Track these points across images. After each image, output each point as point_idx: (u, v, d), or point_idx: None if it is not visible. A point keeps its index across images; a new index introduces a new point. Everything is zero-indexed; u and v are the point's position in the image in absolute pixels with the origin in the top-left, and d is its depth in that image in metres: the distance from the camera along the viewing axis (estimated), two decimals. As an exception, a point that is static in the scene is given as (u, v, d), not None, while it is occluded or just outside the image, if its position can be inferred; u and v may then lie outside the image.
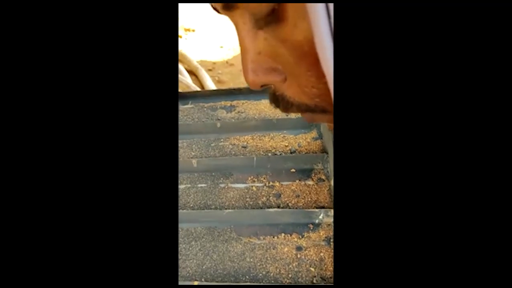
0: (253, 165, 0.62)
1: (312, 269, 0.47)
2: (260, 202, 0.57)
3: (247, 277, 0.47)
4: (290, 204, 0.55)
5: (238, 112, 0.80)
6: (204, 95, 0.86)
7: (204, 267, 0.50)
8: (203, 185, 0.62)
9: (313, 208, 0.53)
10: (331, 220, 0.52)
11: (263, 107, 0.80)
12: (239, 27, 0.19)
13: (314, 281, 0.45)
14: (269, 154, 0.65)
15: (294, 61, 0.18)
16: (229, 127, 0.72)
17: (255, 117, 0.77)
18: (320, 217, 0.52)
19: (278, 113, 0.77)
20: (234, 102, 0.82)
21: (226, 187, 0.60)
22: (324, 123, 0.63)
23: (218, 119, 0.75)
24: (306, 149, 0.66)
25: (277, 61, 0.19)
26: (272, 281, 0.46)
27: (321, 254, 0.49)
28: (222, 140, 0.70)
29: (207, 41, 1.73)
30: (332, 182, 0.56)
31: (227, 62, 1.62)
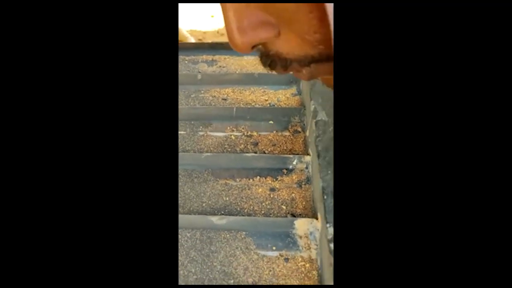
0: (232, 116, 0.64)
1: (284, 207, 0.51)
2: (238, 149, 0.59)
3: (222, 212, 0.50)
4: (266, 152, 0.58)
5: (220, 66, 0.79)
6: (185, 48, 0.84)
7: (181, 201, 0.52)
8: (182, 132, 0.62)
9: (288, 155, 0.56)
10: (304, 166, 0.56)
11: (245, 63, 0.80)
12: None
13: (287, 216, 0.49)
14: (249, 107, 0.66)
15: (295, 6, 0.16)
16: (210, 79, 0.72)
17: (237, 72, 0.77)
18: (294, 162, 0.55)
19: (260, 69, 0.78)
20: (216, 57, 0.81)
21: (205, 135, 0.62)
22: (318, 79, 0.64)
23: (199, 72, 0.74)
24: (285, 103, 0.68)
25: (269, 11, 0.17)
26: (246, 216, 0.49)
27: (293, 194, 0.52)
28: (202, 92, 0.71)
29: (198, 11, 1.66)
30: (307, 133, 0.59)
31: (217, 31, 1.57)
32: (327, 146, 0.46)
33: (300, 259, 0.46)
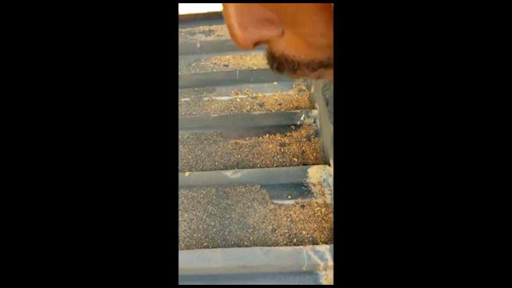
0: (236, 79, 0.64)
1: (295, 159, 0.52)
2: (244, 110, 0.60)
3: (235, 168, 0.51)
4: (273, 111, 0.59)
5: (218, 35, 0.79)
6: (181, 20, 0.83)
7: (192, 162, 0.53)
8: (186, 99, 0.63)
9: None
10: (312, 120, 0.56)
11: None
12: None
13: (298, 166, 0.50)
14: (251, 69, 0.66)
15: (295, 6, 0.15)
16: (210, 47, 0.72)
17: (235, 39, 0.77)
18: (302, 118, 0.56)
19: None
20: (213, 27, 0.81)
21: (210, 100, 0.62)
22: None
23: (198, 41, 0.74)
24: (287, 65, 0.68)
25: (272, 9, 0.16)
26: (259, 169, 0.50)
27: (303, 148, 0.53)
28: (202, 60, 0.71)
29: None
30: (312, 90, 0.60)
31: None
32: (335, 93, 0.46)
33: (315, 204, 0.47)
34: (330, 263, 0.40)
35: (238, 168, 0.51)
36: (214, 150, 0.54)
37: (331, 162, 0.47)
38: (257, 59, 0.70)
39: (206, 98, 0.63)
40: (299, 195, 0.48)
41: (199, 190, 0.49)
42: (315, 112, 0.56)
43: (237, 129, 0.56)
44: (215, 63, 0.70)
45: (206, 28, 0.81)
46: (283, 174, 0.48)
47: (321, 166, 0.48)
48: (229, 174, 0.48)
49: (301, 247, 0.40)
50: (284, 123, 0.57)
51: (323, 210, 0.46)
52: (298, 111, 0.56)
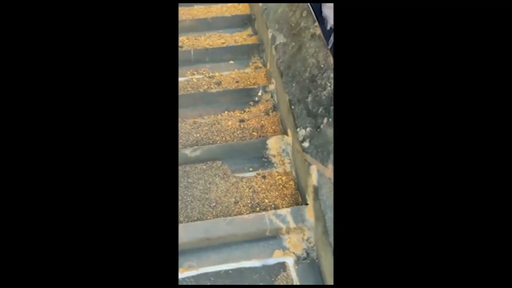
0: (191, 59, 0.63)
1: (255, 133, 0.52)
2: (201, 90, 0.59)
3: (194, 146, 0.50)
4: (230, 89, 0.59)
5: (170, 17, 0.77)
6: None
7: None
8: (140, 82, 0.60)
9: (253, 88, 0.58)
10: (269, 96, 0.57)
11: (196, 12, 0.78)
12: None
13: (257, 139, 0.50)
14: (207, 48, 0.65)
15: None
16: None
17: (189, 19, 0.75)
18: (259, 94, 0.57)
19: (211, 15, 0.76)
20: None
21: (165, 81, 0.60)
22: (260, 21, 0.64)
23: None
24: (242, 44, 0.68)
25: None
26: (220, 145, 0.50)
27: (262, 122, 0.54)
28: (155, 42, 0.68)
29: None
30: (268, 66, 0.61)
31: None
32: (289, 64, 0.48)
33: (276, 174, 0.48)
34: (292, 225, 0.42)
35: (197, 145, 0.50)
36: (172, 131, 0.52)
37: (289, 132, 0.48)
38: (212, 39, 0.70)
39: (161, 80, 0.61)
40: (260, 166, 0.49)
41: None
42: (271, 87, 0.57)
43: (195, 108, 0.56)
44: (169, 45, 0.68)
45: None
46: (243, 148, 0.49)
47: (280, 136, 0.50)
48: (188, 152, 0.48)
49: (263, 213, 0.41)
50: (243, 100, 0.57)
51: (283, 178, 0.48)
52: (256, 87, 0.57)
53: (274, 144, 0.49)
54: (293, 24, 0.50)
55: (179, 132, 0.53)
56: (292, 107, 0.44)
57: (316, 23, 0.44)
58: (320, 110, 0.39)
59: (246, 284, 0.39)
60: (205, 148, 0.48)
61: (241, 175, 0.48)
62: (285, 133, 0.51)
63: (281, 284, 0.39)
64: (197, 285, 0.42)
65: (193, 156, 0.48)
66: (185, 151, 0.47)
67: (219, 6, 0.79)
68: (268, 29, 0.56)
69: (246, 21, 0.72)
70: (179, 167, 0.48)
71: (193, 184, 0.47)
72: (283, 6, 0.55)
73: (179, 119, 0.55)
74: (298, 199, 0.46)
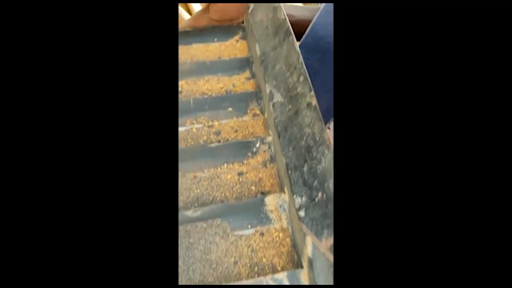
0: (190, 108, 0.65)
1: (253, 187, 0.54)
2: (201, 141, 0.61)
3: (195, 204, 0.52)
4: (229, 139, 0.61)
5: (169, 59, 0.79)
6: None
7: None
8: (141, 132, 0.62)
9: (251, 139, 0.60)
10: (267, 147, 0.59)
11: (194, 51, 0.80)
12: None
13: (257, 197, 0.52)
14: (206, 97, 0.67)
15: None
16: (161, 73, 0.72)
17: (187, 62, 0.77)
18: (257, 145, 0.59)
19: (210, 57, 0.78)
20: (164, 49, 0.80)
21: (166, 131, 0.62)
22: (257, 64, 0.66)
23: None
24: (240, 88, 0.70)
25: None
26: (219, 203, 0.52)
27: (260, 175, 0.56)
28: (155, 88, 0.70)
29: None
30: (266, 115, 0.63)
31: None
32: (286, 126, 0.49)
33: (273, 230, 0.50)
34: (289, 289, 0.44)
35: (198, 203, 0.52)
36: (173, 186, 0.54)
37: (286, 190, 0.50)
38: (211, 83, 0.71)
39: (161, 130, 0.63)
40: (258, 223, 0.51)
41: (161, 229, 0.50)
42: (269, 138, 0.59)
43: (195, 162, 0.58)
44: (169, 90, 0.70)
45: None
46: (243, 206, 0.51)
47: (277, 194, 0.52)
48: (189, 213, 0.50)
49: (261, 278, 0.43)
50: (241, 151, 0.59)
51: (280, 235, 0.50)
52: (254, 139, 0.59)
53: (271, 201, 0.51)
54: (290, 86, 0.51)
55: (180, 188, 0.55)
56: (289, 171, 0.46)
57: (312, 92, 0.46)
58: (315, 183, 0.41)
59: None
60: (206, 209, 0.50)
61: (240, 232, 0.50)
62: (282, 188, 0.53)
63: None
64: (198, 285, 0.44)
65: (194, 216, 0.50)
66: (187, 213, 0.49)
67: (217, 44, 0.81)
68: (266, 83, 0.58)
69: (244, 64, 0.74)
70: (181, 227, 0.50)
71: (194, 245, 0.49)
72: (280, 63, 0.56)
73: (180, 174, 0.56)
74: (294, 256, 0.48)
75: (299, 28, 0.77)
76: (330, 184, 0.37)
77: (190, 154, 0.58)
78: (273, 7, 0.64)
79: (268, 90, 0.58)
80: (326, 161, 0.40)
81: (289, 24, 0.56)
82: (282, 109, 0.52)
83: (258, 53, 0.63)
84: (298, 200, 0.44)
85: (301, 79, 0.48)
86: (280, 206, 0.52)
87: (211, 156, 0.58)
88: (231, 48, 0.80)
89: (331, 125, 0.58)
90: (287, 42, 0.55)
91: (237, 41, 0.81)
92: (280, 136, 0.50)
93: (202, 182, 0.56)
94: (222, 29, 0.80)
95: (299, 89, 0.49)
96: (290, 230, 0.50)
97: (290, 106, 0.50)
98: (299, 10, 0.83)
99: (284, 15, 0.60)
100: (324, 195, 0.39)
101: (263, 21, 0.66)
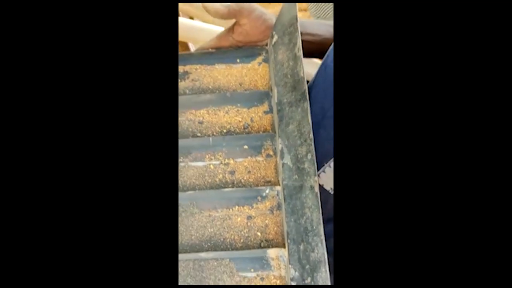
0: (209, 144, 0.70)
1: (259, 233, 0.62)
2: (217, 179, 0.68)
3: (208, 244, 0.61)
4: (242, 181, 0.67)
5: (192, 80, 0.80)
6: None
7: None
8: (165, 165, 0.69)
9: (262, 183, 0.65)
10: (275, 193, 0.65)
11: (217, 73, 0.81)
12: None
13: (262, 245, 0.61)
14: (224, 131, 0.71)
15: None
16: (185, 102, 0.75)
17: (210, 86, 0.79)
18: (267, 191, 0.65)
19: (231, 82, 0.79)
20: (187, 67, 0.81)
21: (186, 166, 0.69)
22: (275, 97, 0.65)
23: (172, 95, 0.76)
24: (258, 124, 0.73)
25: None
26: (228, 246, 0.61)
27: (266, 221, 0.63)
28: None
29: None
30: (277, 159, 0.67)
31: None
32: (291, 194, 0.54)
33: (272, 277, 0.59)
34: (278, 333, 0.54)
35: (210, 243, 0.61)
36: (190, 224, 0.63)
37: (286, 244, 0.57)
38: (230, 115, 0.75)
39: (182, 164, 0.69)
40: (260, 268, 0.60)
41: (180, 262, 0.60)
42: (278, 188, 0.64)
43: (211, 201, 0.65)
44: (190, 119, 0.75)
45: (180, 69, 0.81)
46: (248, 251, 0.59)
47: (278, 249, 0.59)
48: (203, 255, 0.59)
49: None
50: (252, 194, 0.65)
51: (277, 282, 0.59)
52: (264, 187, 0.64)
53: (273, 252, 0.59)
54: (299, 156, 0.55)
55: (196, 225, 0.63)
56: (289, 241, 0.52)
57: (316, 177, 0.50)
58: (307, 267, 0.48)
59: None
60: (216, 254, 0.60)
61: (243, 274, 0.59)
62: (284, 241, 0.60)
63: None
64: (197, 285, 0.51)
65: (207, 257, 0.59)
66: (201, 254, 0.59)
67: (239, 67, 0.82)
68: (279, 137, 0.61)
69: (263, 95, 0.75)
70: (196, 261, 0.60)
71: (206, 279, 0.59)
72: (294, 125, 0.59)
73: (197, 210, 0.65)
74: (288, 299, 0.57)
75: (324, 47, 0.75)
76: (320, 274, 0.43)
77: (207, 194, 0.65)
78: (295, 55, 0.62)
79: (280, 147, 0.61)
80: (319, 253, 0.45)
81: (306, 87, 0.56)
82: (289, 174, 0.56)
83: (276, 99, 0.64)
84: (292, 272, 0.51)
85: (309, 156, 0.51)
86: (280, 257, 0.60)
87: (226, 198, 0.65)
88: (253, 73, 0.80)
89: (327, 168, 0.61)
90: (302, 108, 0.55)
91: (259, 63, 0.80)
92: (285, 201, 0.55)
93: (215, 221, 0.64)
94: (245, 51, 0.79)
95: (306, 165, 0.52)
96: (286, 279, 0.59)
97: (296, 176, 0.53)
98: (322, 27, 0.79)
99: (302, 72, 0.59)
100: (313, 282, 0.45)
101: (284, 65, 0.65)
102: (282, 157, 0.59)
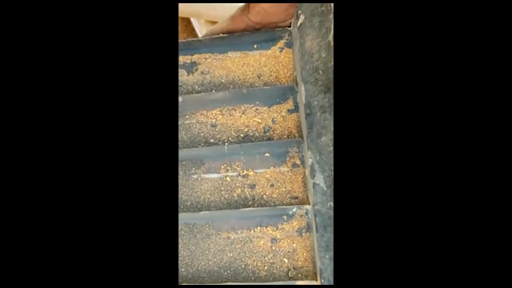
0: (225, 153, 0.60)
1: (286, 260, 0.54)
2: (235, 194, 0.59)
3: (228, 271, 0.54)
4: (265, 196, 0.57)
5: (202, 73, 0.69)
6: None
7: (188, 261, 0.56)
8: (175, 177, 0.61)
9: (288, 200, 0.56)
10: (304, 211, 0.56)
11: (230, 64, 0.68)
12: None
13: (289, 274, 0.52)
14: (241, 136, 0.61)
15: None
16: (194, 102, 0.64)
17: (223, 80, 0.67)
18: (294, 210, 0.55)
19: (248, 74, 0.67)
20: (195, 57, 0.69)
21: (199, 178, 0.60)
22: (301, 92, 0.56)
23: (180, 95, 0.65)
24: (281, 126, 0.61)
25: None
26: (250, 274, 0.53)
27: (294, 245, 0.54)
28: (187, 117, 0.64)
29: None
30: (306, 171, 0.57)
31: None
32: (325, 224, 0.45)
33: (303, 312, 0.52)
34: None
35: (231, 269, 0.54)
36: (207, 247, 0.56)
37: (319, 279, 0.49)
38: (248, 116, 0.64)
39: (195, 176, 0.61)
40: (288, 299, 0.52)
41: (196, 291, 0.54)
42: (307, 207, 0.55)
43: (229, 221, 0.57)
44: (201, 121, 0.65)
45: (187, 59, 0.70)
46: (273, 285, 0.52)
47: (309, 281, 0.51)
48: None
49: None
50: (276, 213, 0.56)
51: (309, 316, 0.51)
52: (290, 206, 0.55)
53: (304, 285, 0.51)
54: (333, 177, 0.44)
55: (214, 249, 0.56)
56: (322, 280, 0.44)
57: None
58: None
59: None
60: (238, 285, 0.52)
61: (269, 306, 0.52)
62: (315, 267, 0.52)
63: None
64: (197, 285, 0.48)
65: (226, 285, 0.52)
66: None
67: (257, 54, 0.69)
68: (308, 150, 0.50)
69: (286, 91, 0.63)
70: (214, 291, 0.53)
71: (226, 312, 0.53)
72: (326, 137, 0.47)
73: (214, 231, 0.57)
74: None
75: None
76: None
77: (224, 215, 0.56)
78: (328, 43, 0.49)
79: (310, 161, 0.50)
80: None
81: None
82: (323, 198, 0.46)
83: (304, 99, 0.52)
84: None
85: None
86: (311, 288, 0.52)
87: (245, 218, 0.56)
88: (273, 61, 0.67)
89: None
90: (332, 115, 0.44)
91: (281, 49, 0.67)
92: (317, 231, 0.46)
93: (235, 244, 0.56)
94: (263, 34, 0.66)
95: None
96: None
97: (331, 204, 0.43)
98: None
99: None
100: None
101: (313, 56, 0.52)
102: (312, 175, 0.48)
